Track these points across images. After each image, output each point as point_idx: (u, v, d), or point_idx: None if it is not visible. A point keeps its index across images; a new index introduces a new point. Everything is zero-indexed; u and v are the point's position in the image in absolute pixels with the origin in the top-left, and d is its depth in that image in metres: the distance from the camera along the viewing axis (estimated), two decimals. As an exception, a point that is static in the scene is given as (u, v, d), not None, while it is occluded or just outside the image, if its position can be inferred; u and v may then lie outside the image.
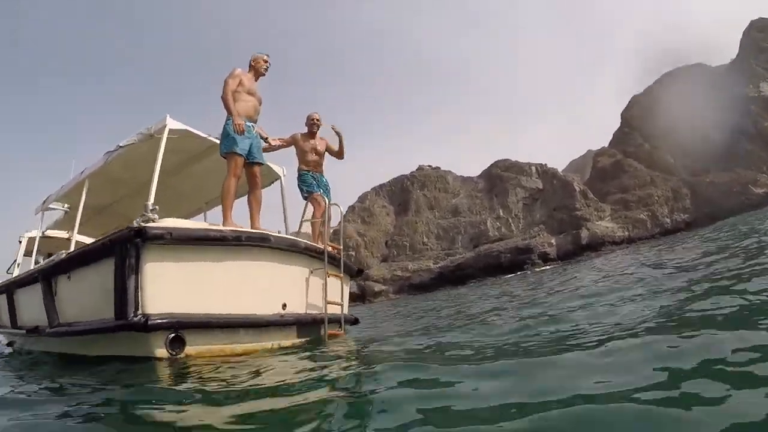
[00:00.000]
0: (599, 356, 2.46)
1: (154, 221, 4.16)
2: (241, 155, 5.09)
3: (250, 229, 4.93)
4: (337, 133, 6.72)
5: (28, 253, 8.49)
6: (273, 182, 7.19)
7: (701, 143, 39.87)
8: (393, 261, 44.53)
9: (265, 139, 5.90)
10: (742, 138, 38.29)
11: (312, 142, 6.69)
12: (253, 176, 5.47)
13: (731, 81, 39.89)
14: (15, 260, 8.84)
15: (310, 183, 6.50)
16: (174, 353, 3.91)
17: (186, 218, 8.45)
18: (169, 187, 6.77)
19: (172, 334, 3.90)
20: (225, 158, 5.15)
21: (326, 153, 6.83)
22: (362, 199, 47.34)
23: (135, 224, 4.09)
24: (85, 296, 4.81)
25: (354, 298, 41.55)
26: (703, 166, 39.44)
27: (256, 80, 5.62)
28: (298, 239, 5.39)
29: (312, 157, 6.63)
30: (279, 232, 5.41)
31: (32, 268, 8.03)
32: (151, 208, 4.27)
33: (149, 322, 3.71)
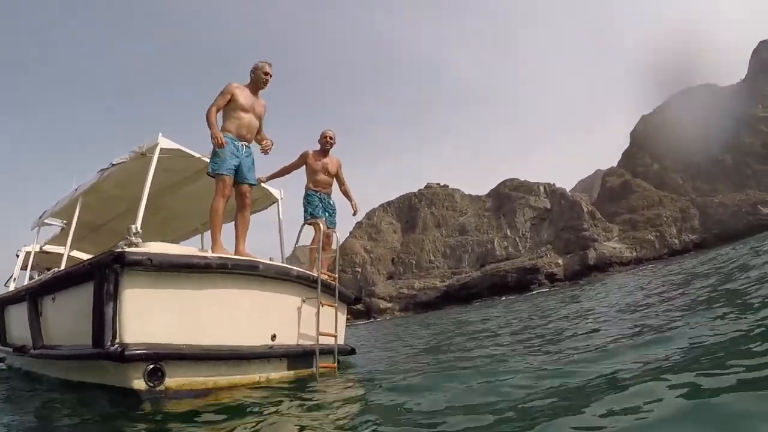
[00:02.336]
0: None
1: (137, 245, 3.98)
2: (228, 175, 4.86)
3: (237, 256, 4.71)
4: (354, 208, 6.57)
5: (25, 267, 8.45)
6: (270, 205, 6.84)
7: (710, 163, 39.55)
8: (399, 278, 44.59)
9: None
10: (751, 158, 37.85)
11: (324, 161, 6.34)
12: (241, 196, 5.15)
13: (740, 101, 39.61)
14: (12, 274, 8.95)
15: (316, 205, 6.16)
16: (152, 385, 3.71)
17: (181, 240, 8.60)
18: (163, 208, 6.86)
19: (151, 366, 3.69)
20: (213, 178, 4.91)
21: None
22: (370, 215, 47.62)
23: (118, 248, 3.97)
24: (68, 320, 4.68)
25: (358, 315, 41.87)
26: (712, 187, 38.99)
27: (256, 93, 5.25)
28: (290, 267, 5.12)
29: (322, 177, 6.30)
30: (271, 259, 5.15)
31: (25, 284, 8.02)
32: (134, 231, 4.08)
33: (126, 353, 3.53)
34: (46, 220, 7.57)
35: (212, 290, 4.18)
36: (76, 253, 7.79)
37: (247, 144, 5.12)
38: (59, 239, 8.14)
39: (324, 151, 6.36)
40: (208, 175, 4.93)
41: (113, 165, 5.43)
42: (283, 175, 6.38)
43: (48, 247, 8.67)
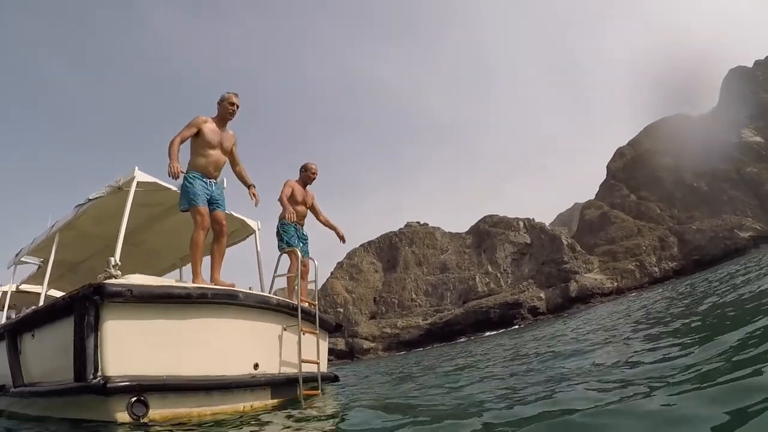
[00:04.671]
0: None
1: (116, 278, 3.98)
2: (203, 205, 4.79)
3: (217, 286, 4.66)
4: (340, 237, 6.64)
5: (2, 308, 8.13)
6: (247, 237, 6.83)
7: (686, 191, 39.43)
8: (382, 318, 44.14)
9: (249, 187, 5.51)
10: (726, 184, 37.67)
11: (303, 192, 6.47)
12: (218, 223, 5.01)
13: (713, 129, 39.81)
14: None
15: (292, 235, 6.18)
16: (137, 417, 3.65)
17: (160, 275, 8.21)
18: (141, 243, 6.85)
19: (135, 398, 3.65)
20: (188, 212, 4.85)
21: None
22: (350, 255, 47.58)
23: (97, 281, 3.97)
24: (48, 355, 4.57)
25: (343, 356, 41.39)
26: (689, 214, 38.72)
27: (224, 126, 5.13)
28: (269, 295, 5.17)
29: (300, 208, 6.37)
30: (251, 289, 5.13)
31: (2, 323, 7.89)
32: (114, 263, 4.10)
33: (108, 385, 3.49)
34: (22, 258, 7.36)
35: (193, 320, 4.15)
36: (53, 292, 7.76)
37: (215, 181, 5.07)
38: (36, 278, 8.00)
39: (304, 183, 6.52)
40: (182, 211, 4.94)
41: (90, 200, 5.37)
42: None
43: (25, 287, 8.52)
